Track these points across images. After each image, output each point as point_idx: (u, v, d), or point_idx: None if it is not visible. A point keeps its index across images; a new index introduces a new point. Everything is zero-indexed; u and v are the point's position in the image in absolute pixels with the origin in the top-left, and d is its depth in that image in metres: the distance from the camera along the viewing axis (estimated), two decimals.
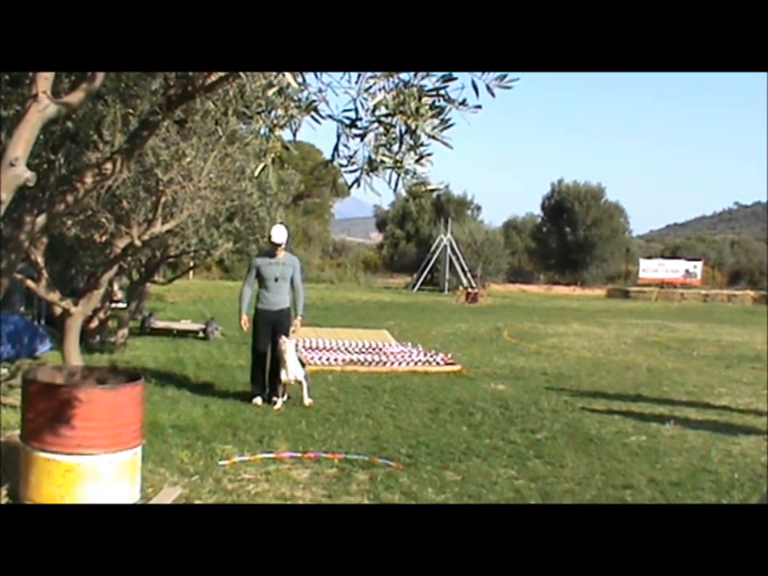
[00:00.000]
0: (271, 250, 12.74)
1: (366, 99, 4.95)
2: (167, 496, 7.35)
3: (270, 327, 12.69)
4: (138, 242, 12.03)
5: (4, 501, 6.70)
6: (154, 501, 7.19)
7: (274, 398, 12.32)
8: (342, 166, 5.23)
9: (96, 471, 6.34)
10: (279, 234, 12.52)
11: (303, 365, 12.56)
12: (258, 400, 12.44)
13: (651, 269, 62.38)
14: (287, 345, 12.27)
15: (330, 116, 5.19)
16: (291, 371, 12.25)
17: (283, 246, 12.68)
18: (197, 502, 7.61)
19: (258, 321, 12.80)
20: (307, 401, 12.28)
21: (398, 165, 5.09)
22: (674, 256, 71.76)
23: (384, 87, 4.88)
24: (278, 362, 12.52)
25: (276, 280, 12.63)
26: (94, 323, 17.15)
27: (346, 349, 18.55)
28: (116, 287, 21.26)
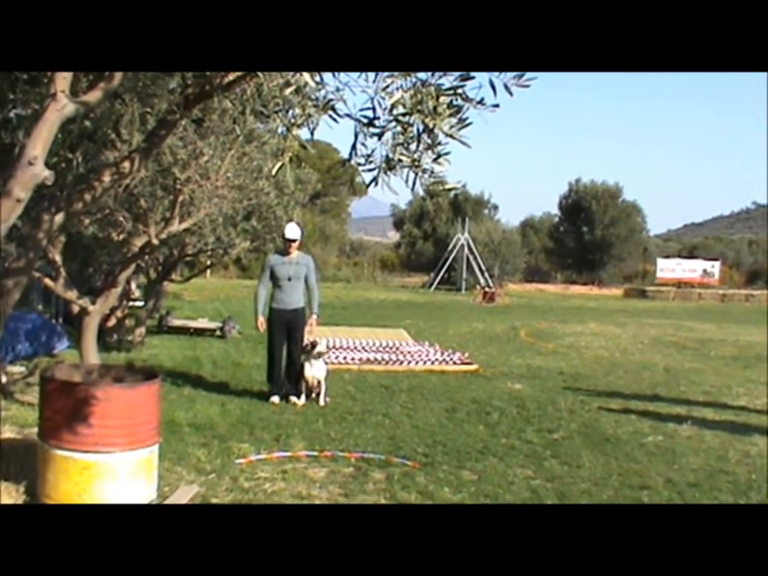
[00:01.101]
0: (285, 249, 12.74)
1: (383, 98, 4.94)
2: (184, 494, 7.36)
3: (284, 326, 12.69)
4: (155, 241, 12.05)
5: (22, 498, 6.71)
6: (171, 499, 7.20)
7: (292, 397, 12.36)
8: (359, 164, 5.23)
9: (113, 469, 6.35)
10: (293, 230, 12.55)
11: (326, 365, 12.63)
12: (275, 399, 12.41)
13: (669, 268, 62.26)
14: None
15: (347, 115, 5.19)
16: (315, 369, 12.36)
17: (297, 244, 12.66)
18: (213, 500, 7.62)
19: (273, 320, 12.73)
20: (323, 401, 12.30)
21: (416, 164, 5.08)
22: (691, 256, 71.67)
23: (401, 86, 4.88)
24: (294, 360, 12.61)
25: (290, 279, 12.58)
26: (112, 321, 17.19)
27: (363, 348, 18.56)
28: (133, 286, 21.32)
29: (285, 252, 12.73)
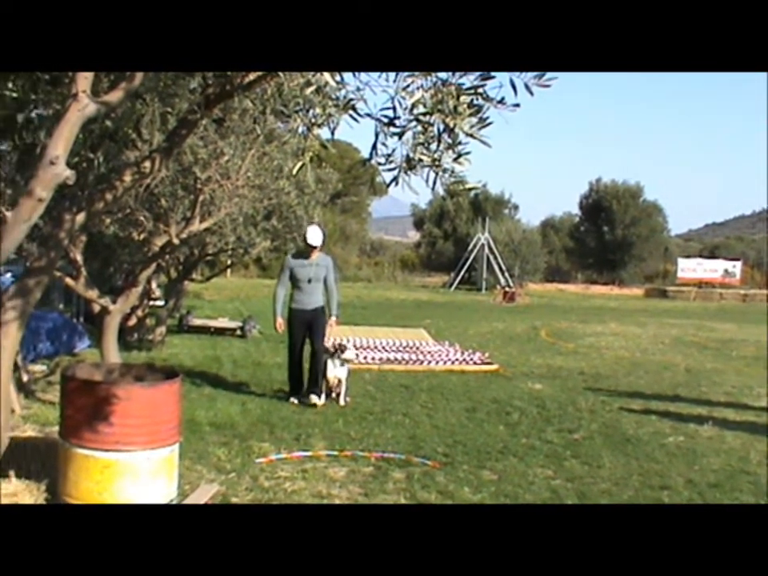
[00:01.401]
0: (305, 251, 12.55)
1: (403, 98, 4.95)
2: (204, 493, 7.37)
3: (304, 327, 12.56)
4: (176, 240, 12.07)
5: (43, 497, 6.74)
6: (191, 498, 7.22)
7: (312, 396, 12.20)
8: (380, 164, 5.24)
9: (134, 468, 6.36)
10: (315, 236, 12.34)
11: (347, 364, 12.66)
12: (295, 399, 12.34)
13: (690, 268, 62.03)
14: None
15: (368, 114, 5.19)
16: (338, 369, 12.34)
17: (318, 249, 12.53)
18: (233, 499, 7.63)
19: (293, 321, 12.63)
20: (342, 401, 12.26)
21: (436, 163, 5.08)
22: (712, 255, 71.46)
23: (422, 86, 4.88)
24: (315, 360, 12.50)
25: (309, 281, 12.44)
26: (132, 321, 17.25)
27: (383, 347, 18.56)
28: (154, 285, 21.35)
29: (305, 253, 12.55)
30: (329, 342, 12.79)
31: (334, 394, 12.39)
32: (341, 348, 12.57)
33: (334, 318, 12.82)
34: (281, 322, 12.74)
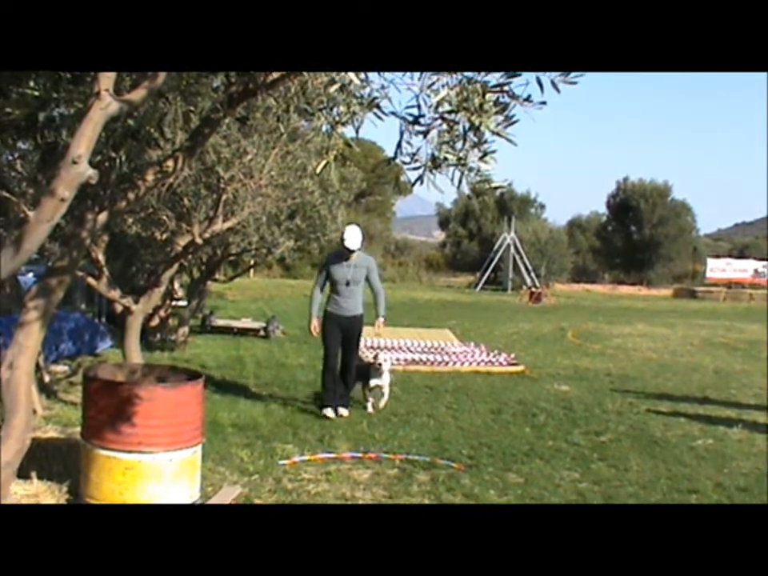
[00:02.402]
0: (343, 252, 11.57)
1: (428, 96, 4.94)
2: (227, 495, 7.39)
3: (340, 334, 11.70)
4: (198, 240, 12.09)
5: (64, 498, 6.77)
6: (213, 499, 7.23)
7: (341, 409, 11.53)
8: (404, 163, 5.23)
9: (156, 469, 6.38)
10: (354, 238, 11.44)
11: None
12: (330, 412, 11.37)
13: (719, 268, 61.68)
14: (385, 378, 12.05)
15: (392, 113, 5.19)
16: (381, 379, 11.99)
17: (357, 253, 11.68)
18: (256, 501, 7.65)
19: (328, 326, 11.75)
20: (371, 408, 11.88)
21: (462, 162, 5.07)
22: (742, 255, 71.08)
23: (447, 83, 4.88)
24: (348, 372, 11.91)
25: (348, 284, 11.58)
26: (155, 321, 17.29)
27: (408, 348, 18.58)
28: (177, 285, 21.42)
29: (342, 254, 11.62)
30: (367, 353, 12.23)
31: (371, 403, 12.03)
32: (377, 363, 12.12)
33: (381, 320, 12.10)
34: (315, 324, 12.05)
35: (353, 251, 11.49)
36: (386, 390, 12.12)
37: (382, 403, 12.02)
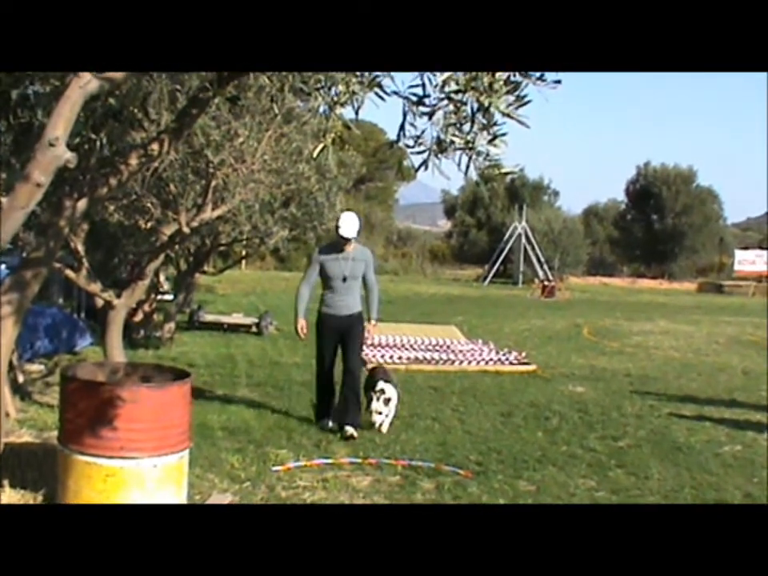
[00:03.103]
0: (338, 242, 10.94)
1: (434, 74, 4.93)
2: (215, 504, 7.40)
3: (336, 336, 11.03)
4: (186, 229, 12.09)
5: None
6: None
7: (347, 428, 10.55)
8: (408, 146, 5.23)
9: (140, 476, 6.38)
10: (350, 226, 10.80)
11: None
12: (328, 423, 10.87)
13: (748, 261, 61.62)
14: (389, 391, 10.86)
15: (395, 92, 5.18)
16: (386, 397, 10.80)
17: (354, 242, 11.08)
18: None
19: (323, 329, 11.08)
20: (385, 428, 10.80)
21: (469, 146, 5.06)
22: None
23: None
24: (353, 379, 10.94)
25: (344, 280, 10.88)
26: (139, 316, 17.32)
27: (411, 346, 18.59)
28: (162, 278, 21.43)
29: (338, 245, 10.96)
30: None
31: (377, 424, 10.92)
32: (373, 377, 11.21)
33: (373, 324, 11.48)
34: (303, 324, 11.20)
35: (348, 239, 10.86)
36: (392, 411, 10.97)
37: (385, 427, 10.83)
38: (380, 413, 10.83)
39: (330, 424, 10.89)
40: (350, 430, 10.52)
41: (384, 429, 10.83)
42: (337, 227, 10.88)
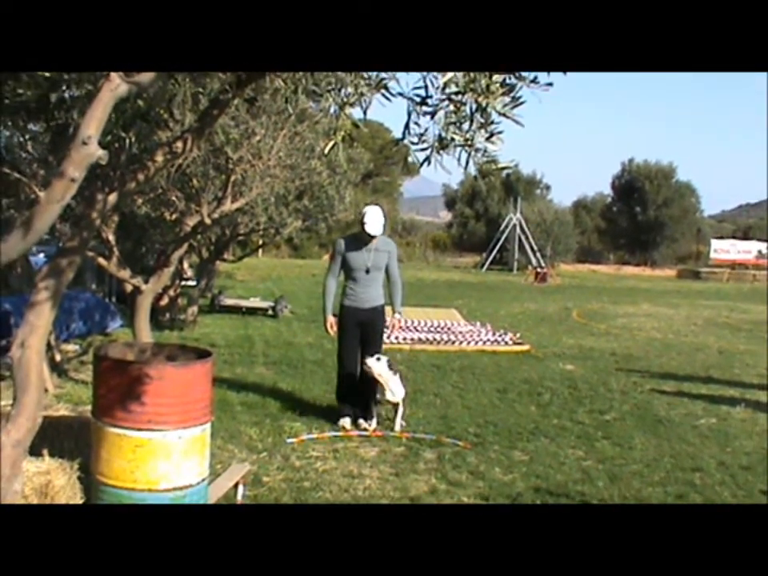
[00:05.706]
0: (361, 234, 9.98)
1: (436, 77, 4.92)
2: (235, 472, 7.40)
3: (358, 329, 10.21)
4: (207, 220, 12.09)
5: (76, 475, 6.76)
6: (222, 477, 7.25)
7: (361, 422, 10.02)
8: (412, 143, 5.21)
9: (166, 446, 6.38)
10: (375, 222, 9.87)
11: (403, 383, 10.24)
12: (347, 422, 9.97)
13: (723, 249, 61.52)
14: (377, 367, 9.96)
15: (400, 94, 5.16)
16: (397, 392, 10.01)
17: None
18: (264, 478, 7.68)
19: (345, 321, 10.24)
20: (398, 426, 9.91)
21: (469, 143, 5.05)
22: (746, 237, 70.89)
23: None
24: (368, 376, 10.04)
25: (368, 271, 10.05)
26: (165, 301, 17.32)
27: (415, 328, 18.60)
28: (186, 265, 21.46)
29: (361, 237, 10.05)
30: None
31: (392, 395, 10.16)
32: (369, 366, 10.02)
33: (398, 316, 10.71)
34: (332, 321, 10.33)
35: (374, 237, 9.95)
36: (401, 407, 10.11)
37: (397, 425, 9.96)
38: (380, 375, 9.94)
39: (349, 423, 9.95)
40: (363, 423, 10.00)
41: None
42: (362, 223, 9.91)
